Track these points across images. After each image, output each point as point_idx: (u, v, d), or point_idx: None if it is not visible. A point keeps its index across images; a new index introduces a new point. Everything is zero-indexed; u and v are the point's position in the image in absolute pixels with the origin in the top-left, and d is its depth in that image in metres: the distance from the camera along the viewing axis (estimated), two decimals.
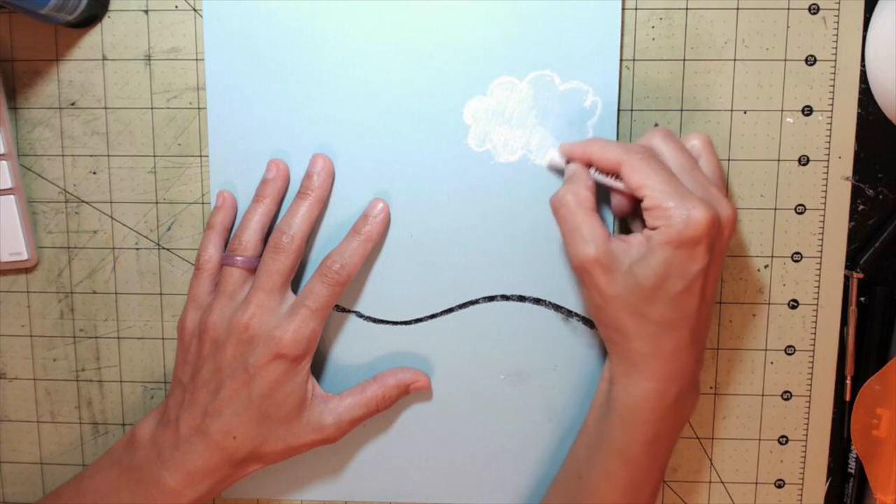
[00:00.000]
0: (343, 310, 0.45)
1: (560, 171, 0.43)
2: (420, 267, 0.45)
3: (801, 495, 0.46)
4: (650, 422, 0.39)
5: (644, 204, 0.37)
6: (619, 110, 0.43)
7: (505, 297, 0.45)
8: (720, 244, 0.38)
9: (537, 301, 0.45)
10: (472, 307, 0.45)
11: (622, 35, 0.43)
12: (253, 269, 0.42)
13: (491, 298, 0.45)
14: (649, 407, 0.39)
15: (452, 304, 0.45)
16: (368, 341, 0.45)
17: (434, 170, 0.44)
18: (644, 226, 0.38)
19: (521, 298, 0.45)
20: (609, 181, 0.40)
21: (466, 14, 0.43)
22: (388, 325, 0.45)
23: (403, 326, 0.45)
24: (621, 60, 0.43)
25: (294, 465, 0.46)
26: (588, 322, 0.45)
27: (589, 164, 0.40)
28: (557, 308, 0.45)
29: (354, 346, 0.45)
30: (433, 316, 0.45)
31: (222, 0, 0.43)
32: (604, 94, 0.43)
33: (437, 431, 0.46)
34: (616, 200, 0.41)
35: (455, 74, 0.43)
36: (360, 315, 0.45)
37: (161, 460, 0.41)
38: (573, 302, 0.45)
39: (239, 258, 0.42)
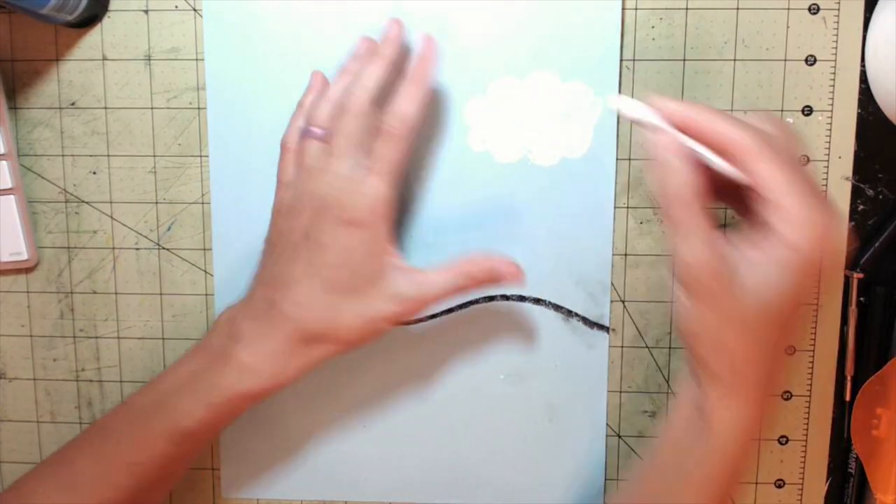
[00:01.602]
0: None
1: (620, 118, 0.40)
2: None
3: (801, 495, 0.46)
4: (746, 450, 0.35)
5: (771, 201, 0.32)
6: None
7: (505, 297, 0.45)
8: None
9: (537, 301, 0.45)
10: (471, 307, 0.45)
11: (622, 35, 0.43)
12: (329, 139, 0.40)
13: (491, 298, 0.45)
14: (748, 435, 0.35)
15: (452, 305, 0.45)
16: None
17: (434, 170, 0.44)
18: (742, 214, 0.35)
19: (521, 298, 0.45)
20: (708, 156, 0.33)
21: (466, 14, 0.43)
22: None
23: (404, 326, 0.45)
24: (621, 60, 0.43)
25: (294, 465, 0.46)
26: (588, 322, 0.45)
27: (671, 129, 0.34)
28: (557, 308, 0.45)
29: None
30: (433, 316, 0.45)
31: (222, 0, 0.43)
32: (604, 94, 0.43)
33: (436, 431, 0.46)
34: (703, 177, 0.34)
35: (455, 74, 0.43)
36: None
37: (236, 337, 0.40)
38: (573, 302, 0.45)
39: (317, 130, 0.40)
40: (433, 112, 0.43)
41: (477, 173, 0.44)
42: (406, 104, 0.39)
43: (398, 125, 0.39)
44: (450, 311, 0.45)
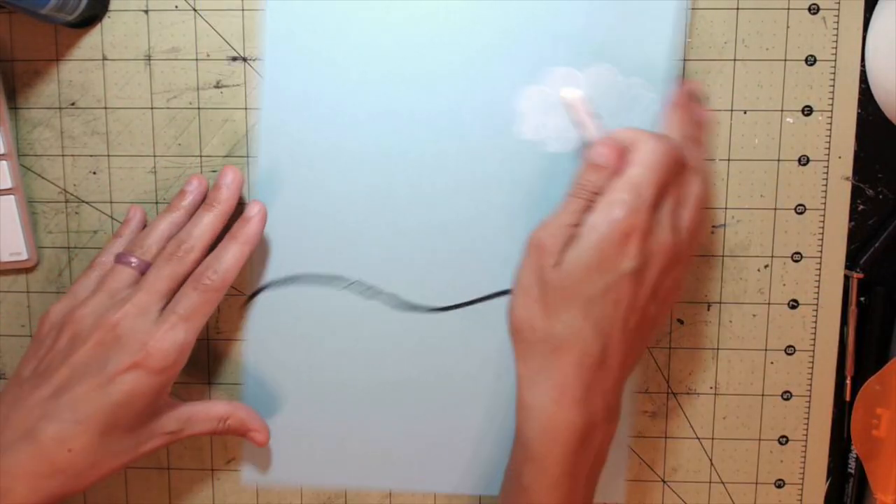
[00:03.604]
0: (372, 294, 0.45)
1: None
2: (463, 253, 0.44)
3: (801, 495, 0.46)
4: (555, 456, 0.35)
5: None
6: None
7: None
8: (657, 263, 0.35)
9: None
10: (477, 304, 0.45)
11: (686, 34, 0.43)
12: (144, 273, 0.40)
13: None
14: (555, 438, 0.35)
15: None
16: (396, 327, 0.45)
17: (485, 158, 0.43)
18: None
19: None
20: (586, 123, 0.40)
21: (534, 5, 0.42)
22: (417, 313, 0.45)
23: (433, 314, 0.45)
24: (684, 60, 0.43)
25: (293, 454, 0.46)
26: None
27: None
28: None
29: (379, 331, 0.45)
30: (470, 303, 0.45)
31: (286, 1, 0.43)
32: (662, 92, 0.42)
33: (440, 428, 0.46)
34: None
35: (513, 61, 0.43)
36: (394, 298, 0.45)
37: None
38: None
39: (134, 259, 0.39)
40: (484, 99, 0.43)
41: (528, 162, 0.43)
42: (231, 262, 0.39)
43: (218, 281, 0.39)
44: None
